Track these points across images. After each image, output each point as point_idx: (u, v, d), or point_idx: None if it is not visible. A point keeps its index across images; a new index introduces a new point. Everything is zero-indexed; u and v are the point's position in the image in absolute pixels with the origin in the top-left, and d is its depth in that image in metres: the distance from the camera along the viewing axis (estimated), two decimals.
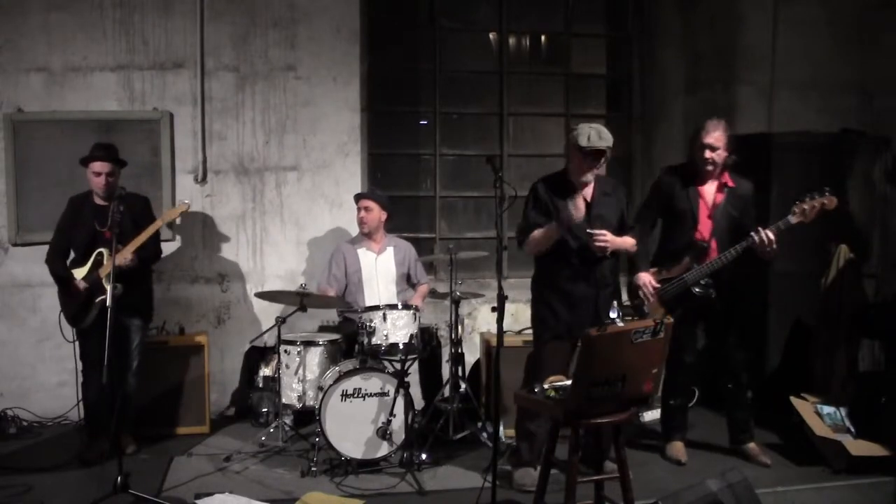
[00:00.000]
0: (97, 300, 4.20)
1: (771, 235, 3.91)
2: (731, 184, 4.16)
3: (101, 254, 4.24)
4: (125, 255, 4.17)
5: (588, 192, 3.92)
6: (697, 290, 4.10)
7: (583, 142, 3.73)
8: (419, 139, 6.03)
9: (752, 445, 4.30)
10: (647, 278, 4.18)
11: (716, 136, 4.08)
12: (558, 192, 3.88)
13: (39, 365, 5.12)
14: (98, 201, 4.37)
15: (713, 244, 4.12)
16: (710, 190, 4.17)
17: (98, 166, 4.30)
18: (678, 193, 4.18)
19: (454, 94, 6.03)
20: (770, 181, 5.10)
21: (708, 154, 4.08)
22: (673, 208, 4.20)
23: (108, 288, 3.71)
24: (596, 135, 3.73)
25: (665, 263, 4.23)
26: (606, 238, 3.79)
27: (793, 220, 3.95)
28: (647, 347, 3.08)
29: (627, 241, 3.96)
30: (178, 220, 5.16)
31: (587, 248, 3.82)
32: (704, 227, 4.13)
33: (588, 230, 3.80)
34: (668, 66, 6.05)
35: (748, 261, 4.11)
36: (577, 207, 3.71)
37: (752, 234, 3.95)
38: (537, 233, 3.87)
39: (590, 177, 3.85)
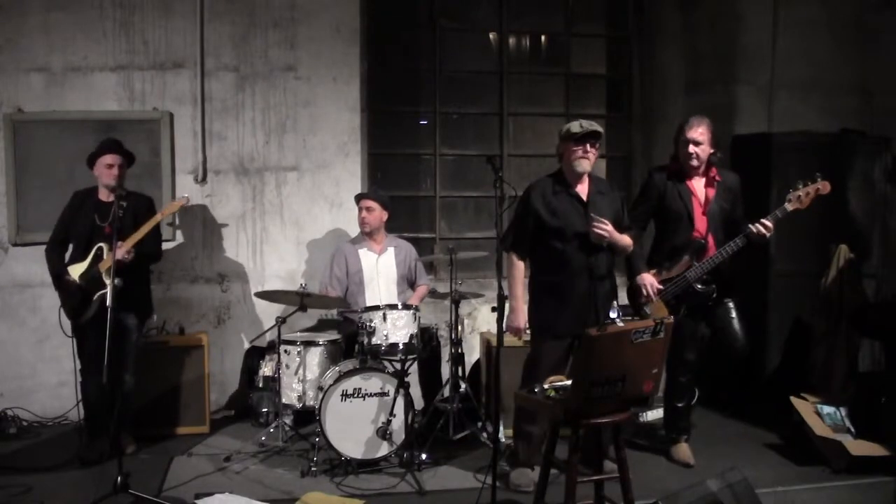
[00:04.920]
0: (96, 296, 4.20)
1: (768, 224, 3.97)
2: (718, 178, 4.20)
3: (101, 248, 4.24)
4: (124, 250, 4.18)
5: (583, 190, 3.93)
6: (700, 286, 4.12)
7: (576, 129, 3.81)
8: (419, 139, 6.03)
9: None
10: (649, 278, 4.17)
11: (699, 130, 4.11)
12: (554, 193, 3.91)
13: (39, 365, 5.12)
14: (102, 197, 4.38)
15: (710, 240, 4.14)
16: (700, 186, 4.19)
17: (111, 158, 4.34)
18: (669, 193, 4.19)
19: (454, 94, 6.03)
20: (770, 181, 5.11)
21: (692, 149, 4.11)
22: (666, 209, 4.21)
23: (108, 283, 3.70)
24: (587, 122, 3.83)
25: (662, 264, 4.23)
26: (608, 228, 3.81)
27: (789, 207, 4.00)
28: (647, 347, 3.08)
29: (626, 239, 3.97)
30: (176, 218, 5.16)
31: (585, 240, 3.84)
32: (700, 225, 4.15)
33: (591, 214, 3.83)
34: (668, 66, 6.04)
35: (744, 256, 4.17)
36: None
37: (750, 226, 3.99)
38: (517, 286, 3.92)
39: (587, 165, 3.86)
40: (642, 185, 4.44)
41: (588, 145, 3.84)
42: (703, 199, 4.17)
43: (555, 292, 3.89)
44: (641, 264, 4.23)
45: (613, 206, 3.99)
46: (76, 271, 4.28)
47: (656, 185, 4.24)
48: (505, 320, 3.72)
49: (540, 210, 3.89)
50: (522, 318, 3.94)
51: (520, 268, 3.96)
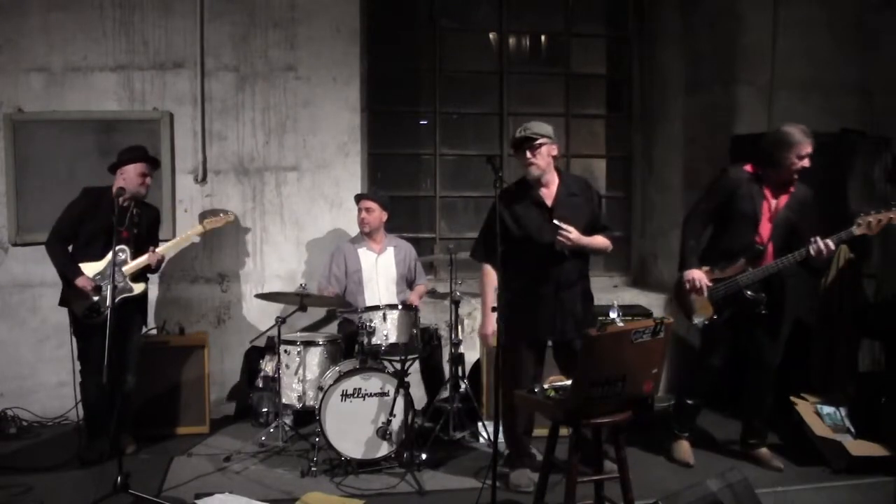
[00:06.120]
0: (117, 301, 4.08)
1: (831, 245, 3.84)
2: (793, 188, 4.06)
3: (124, 251, 4.21)
4: (159, 255, 4.27)
5: (549, 194, 3.90)
6: (750, 293, 4.01)
7: (511, 139, 3.84)
8: (419, 139, 6.03)
9: (763, 450, 4.24)
10: (699, 274, 4.07)
11: (812, 143, 3.95)
12: (518, 200, 3.90)
13: (39, 365, 5.12)
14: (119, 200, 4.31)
15: (770, 248, 4.03)
16: (773, 193, 4.05)
17: (145, 167, 4.31)
18: (743, 193, 4.04)
19: (454, 94, 6.04)
20: None
21: (808, 164, 3.95)
22: (734, 208, 4.06)
23: (135, 287, 3.70)
24: (522, 128, 3.82)
25: (717, 262, 4.11)
26: (570, 235, 3.76)
27: (856, 231, 3.86)
28: (647, 347, 3.08)
29: (598, 241, 3.93)
30: (175, 218, 5.17)
31: (551, 248, 3.81)
32: (764, 230, 4.03)
33: (555, 220, 3.78)
34: (668, 66, 6.05)
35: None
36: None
37: (812, 241, 3.85)
38: (488, 295, 3.89)
39: (535, 171, 3.82)
40: (713, 181, 4.23)
41: (528, 152, 3.80)
42: (773, 206, 4.04)
43: (522, 300, 3.84)
44: (694, 259, 4.12)
45: (588, 207, 3.94)
46: (90, 270, 4.19)
47: (731, 181, 4.08)
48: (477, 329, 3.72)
49: (506, 219, 3.85)
50: (490, 326, 3.91)
51: (492, 276, 3.89)
